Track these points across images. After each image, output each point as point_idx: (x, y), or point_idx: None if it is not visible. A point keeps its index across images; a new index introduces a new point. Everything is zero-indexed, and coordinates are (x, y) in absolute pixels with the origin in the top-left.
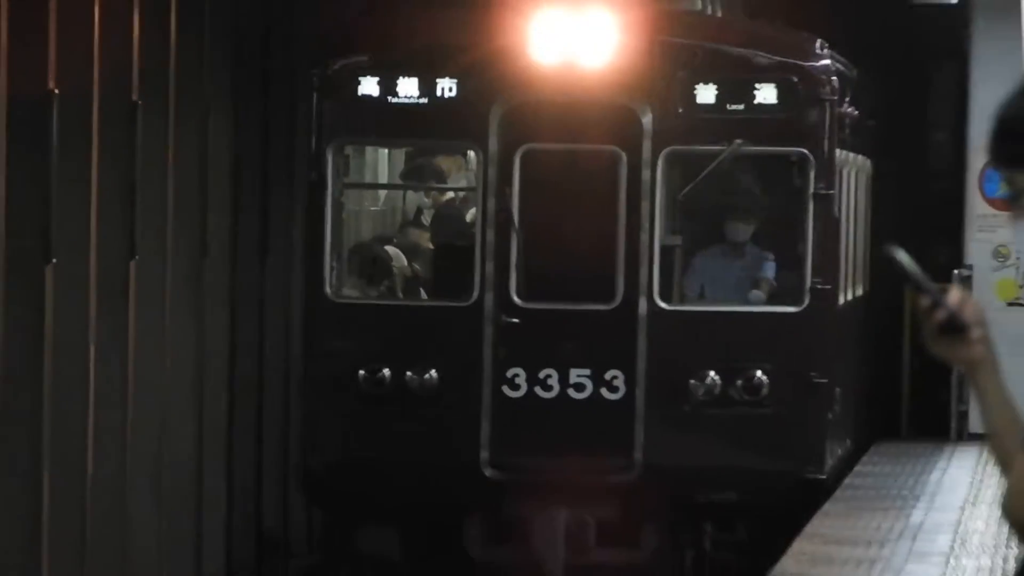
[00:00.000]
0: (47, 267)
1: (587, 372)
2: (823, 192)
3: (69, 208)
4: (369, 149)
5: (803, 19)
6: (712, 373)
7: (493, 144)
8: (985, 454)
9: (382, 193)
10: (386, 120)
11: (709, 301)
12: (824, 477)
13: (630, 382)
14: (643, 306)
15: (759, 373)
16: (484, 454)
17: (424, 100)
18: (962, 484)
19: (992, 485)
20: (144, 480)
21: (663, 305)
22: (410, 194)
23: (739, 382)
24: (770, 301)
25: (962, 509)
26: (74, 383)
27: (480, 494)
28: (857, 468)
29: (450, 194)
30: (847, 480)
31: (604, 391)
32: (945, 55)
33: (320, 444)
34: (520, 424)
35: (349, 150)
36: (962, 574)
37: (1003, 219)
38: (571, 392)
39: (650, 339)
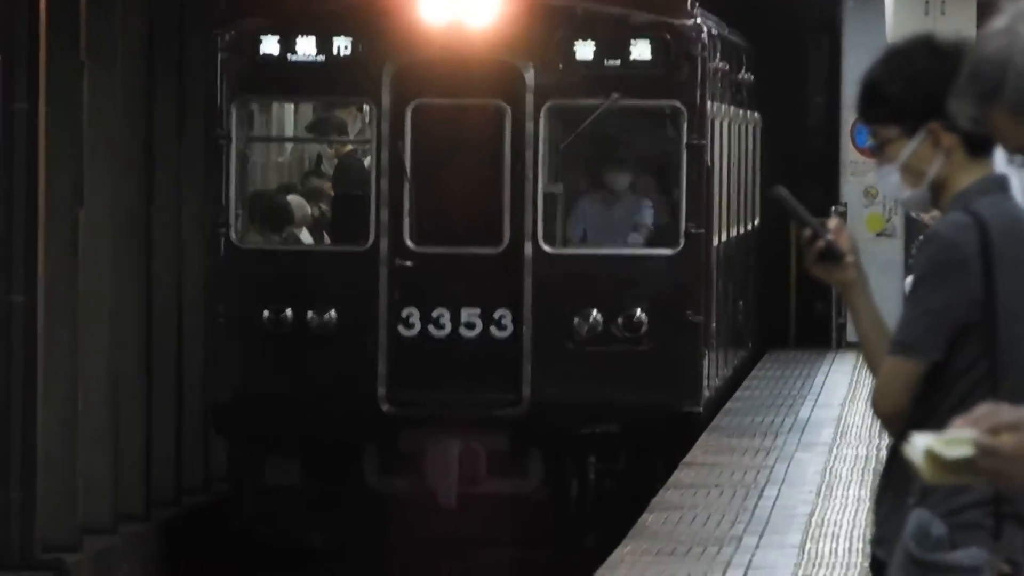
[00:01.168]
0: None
1: (477, 312)
2: (696, 142)
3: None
4: (275, 104)
5: None
6: (594, 312)
7: (386, 99)
8: (860, 359)
9: (288, 145)
10: (286, 77)
11: (591, 244)
12: (700, 410)
13: (517, 321)
14: (528, 249)
15: (638, 312)
16: (381, 390)
17: (321, 58)
18: (842, 385)
19: (866, 385)
20: (164, 381)
21: (547, 248)
22: (315, 145)
23: (620, 320)
24: (648, 244)
25: (842, 406)
26: (99, 303)
27: (376, 428)
28: (753, 373)
29: (351, 145)
30: (745, 383)
31: (493, 329)
32: (821, 31)
33: (225, 380)
34: (414, 361)
35: (253, 105)
36: (843, 461)
37: (870, 165)
38: (462, 331)
39: (535, 280)
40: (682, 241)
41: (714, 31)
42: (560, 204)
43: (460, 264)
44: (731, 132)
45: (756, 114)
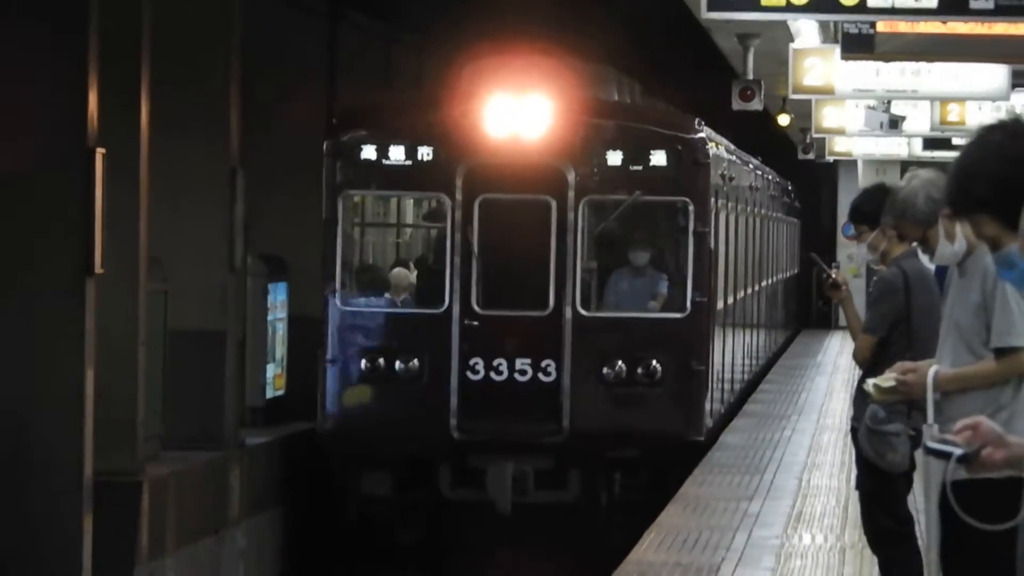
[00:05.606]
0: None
1: (528, 361)
2: (700, 230)
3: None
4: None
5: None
6: (620, 362)
7: (459, 194)
8: (845, 335)
9: (408, 229)
10: (381, 176)
11: (618, 309)
12: (702, 439)
13: (560, 369)
14: (568, 313)
15: (654, 362)
16: (453, 421)
17: (409, 162)
18: (836, 345)
19: (849, 347)
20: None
21: (583, 312)
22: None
23: (640, 369)
24: (663, 309)
25: (836, 354)
26: None
27: (450, 450)
28: (796, 339)
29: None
30: (789, 348)
31: (540, 375)
32: (825, 182)
33: (332, 413)
34: (479, 399)
35: (356, 198)
36: (837, 379)
37: (852, 244)
38: (516, 376)
39: (574, 337)
40: (689, 307)
41: (719, 146)
42: (594, 277)
43: (515, 324)
44: (758, 225)
45: (796, 219)
